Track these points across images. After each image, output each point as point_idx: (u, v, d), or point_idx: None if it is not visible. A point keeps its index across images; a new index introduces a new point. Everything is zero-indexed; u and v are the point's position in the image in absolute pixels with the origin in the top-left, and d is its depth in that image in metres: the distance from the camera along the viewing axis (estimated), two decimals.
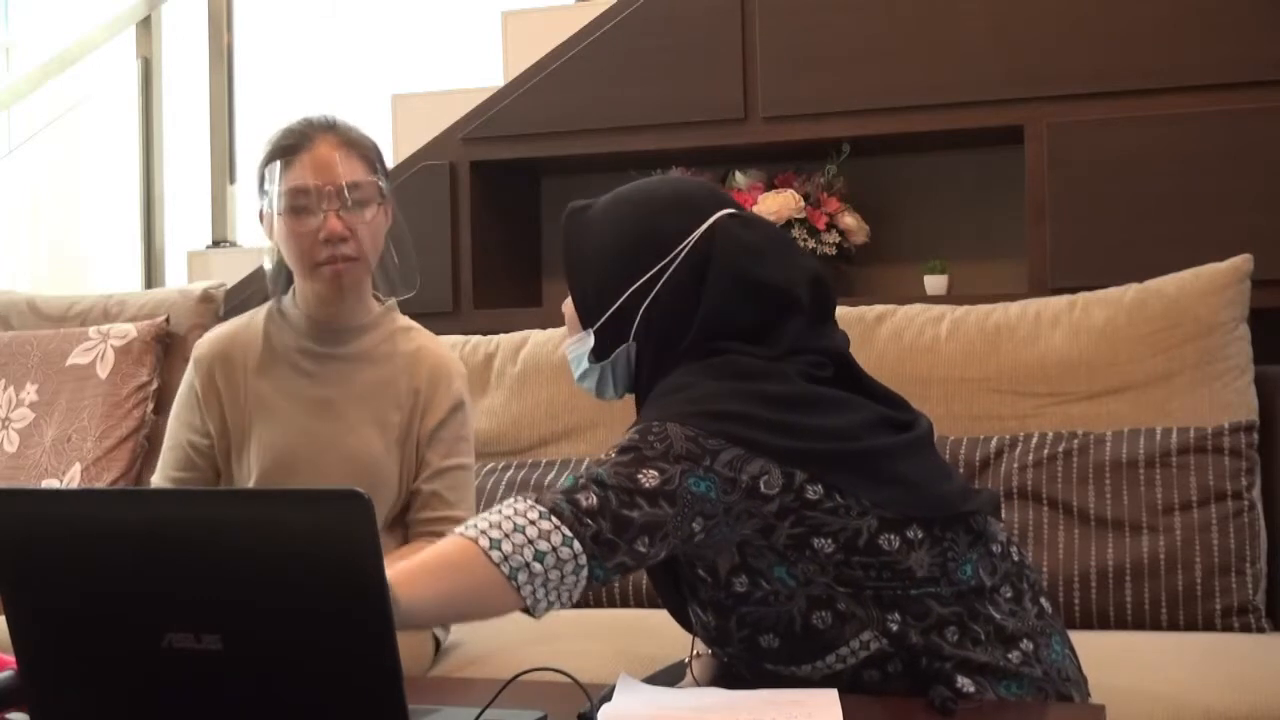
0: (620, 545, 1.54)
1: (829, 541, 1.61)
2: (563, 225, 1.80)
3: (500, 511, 1.53)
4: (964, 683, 1.62)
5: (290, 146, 2.16)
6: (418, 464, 2.27)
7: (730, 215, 1.75)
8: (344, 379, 2.25)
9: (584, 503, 1.53)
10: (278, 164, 2.16)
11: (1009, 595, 1.69)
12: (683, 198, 1.78)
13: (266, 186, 2.17)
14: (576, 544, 1.51)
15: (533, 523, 1.52)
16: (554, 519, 1.52)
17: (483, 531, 1.51)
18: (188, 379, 2.31)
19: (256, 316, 2.31)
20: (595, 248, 1.76)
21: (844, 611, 1.63)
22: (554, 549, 1.51)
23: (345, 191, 2.14)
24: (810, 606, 1.63)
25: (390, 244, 2.25)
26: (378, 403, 2.25)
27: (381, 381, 2.26)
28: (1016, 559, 1.74)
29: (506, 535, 1.51)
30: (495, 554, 1.49)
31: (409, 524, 2.27)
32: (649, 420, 1.62)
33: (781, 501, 1.60)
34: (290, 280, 2.27)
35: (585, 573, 1.52)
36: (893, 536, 1.63)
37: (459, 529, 1.54)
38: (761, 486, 1.59)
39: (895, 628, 1.63)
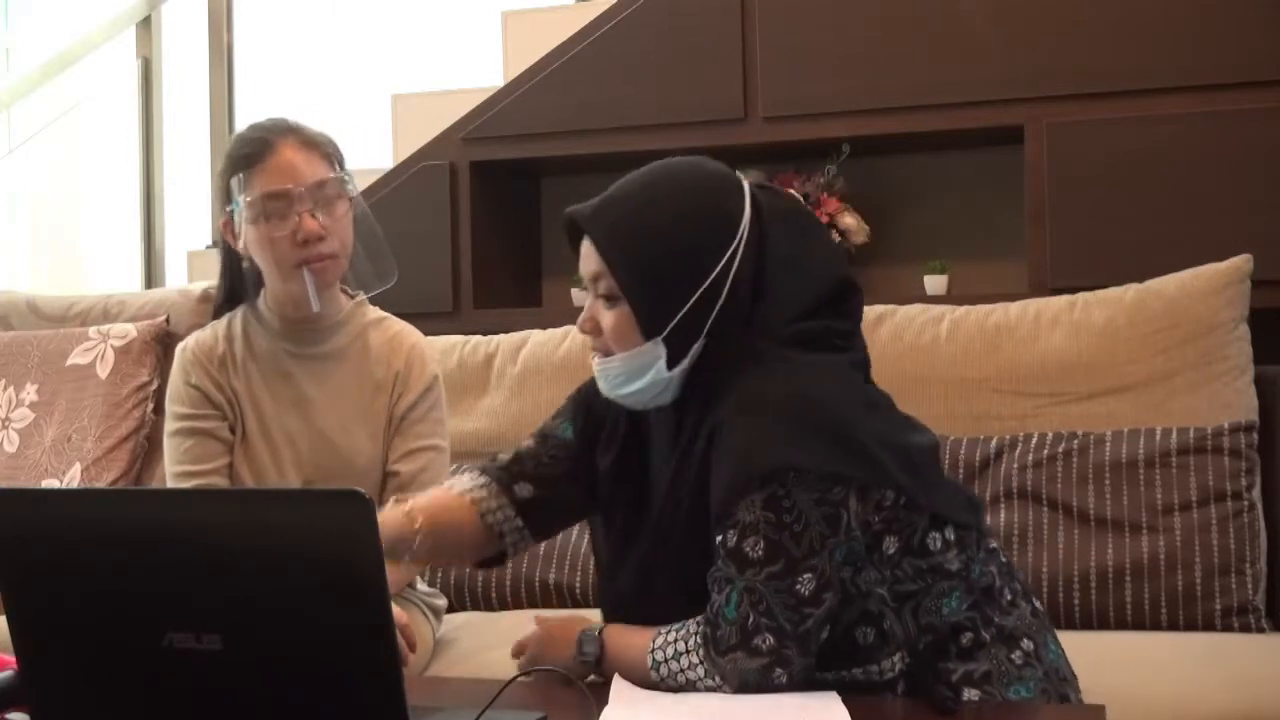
0: (810, 645, 1.56)
1: (894, 540, 1.62)
2: (589, 232, 1.64)
3: (694, 674, 1.56)
4: (970, 694, 1.61)
5: (253, 154, 2.17)
6: (389, 444, 2.28)
7: (756, 186, 1.70)
8: (324, 377, 2.27)
9: (764, 646, 1.53)
10: (242, 174, 2.17)
11: (1008, 597, 1.70)
12: (716, 174, 1.68)
13: (235, 196, 2.18)
14: None
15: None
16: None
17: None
18: (181, 378, 2.31)
19: (233, 320, 2.32)
20: (651, 249, 1.61)
21: (887, 631, 1.61)
22: None
23: (316, 191, 2.16)
24: (858, 620, 1.61)
25: (359, 240, 2.26)
26: (359, 396, 2.27)
27: (360, 374, 2.28)
28: (1004, 560, 1.75)
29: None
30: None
31: (381, 505, 2.28)
32: (773, 462, 1.54)
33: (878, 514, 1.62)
34: (258, 286, 2.28)
35: None
36: (936, 535, 1.64)
37: (650, 660, 1.58)
38: (874, 509, 1.60)
39: (923, 647, 1.63)
